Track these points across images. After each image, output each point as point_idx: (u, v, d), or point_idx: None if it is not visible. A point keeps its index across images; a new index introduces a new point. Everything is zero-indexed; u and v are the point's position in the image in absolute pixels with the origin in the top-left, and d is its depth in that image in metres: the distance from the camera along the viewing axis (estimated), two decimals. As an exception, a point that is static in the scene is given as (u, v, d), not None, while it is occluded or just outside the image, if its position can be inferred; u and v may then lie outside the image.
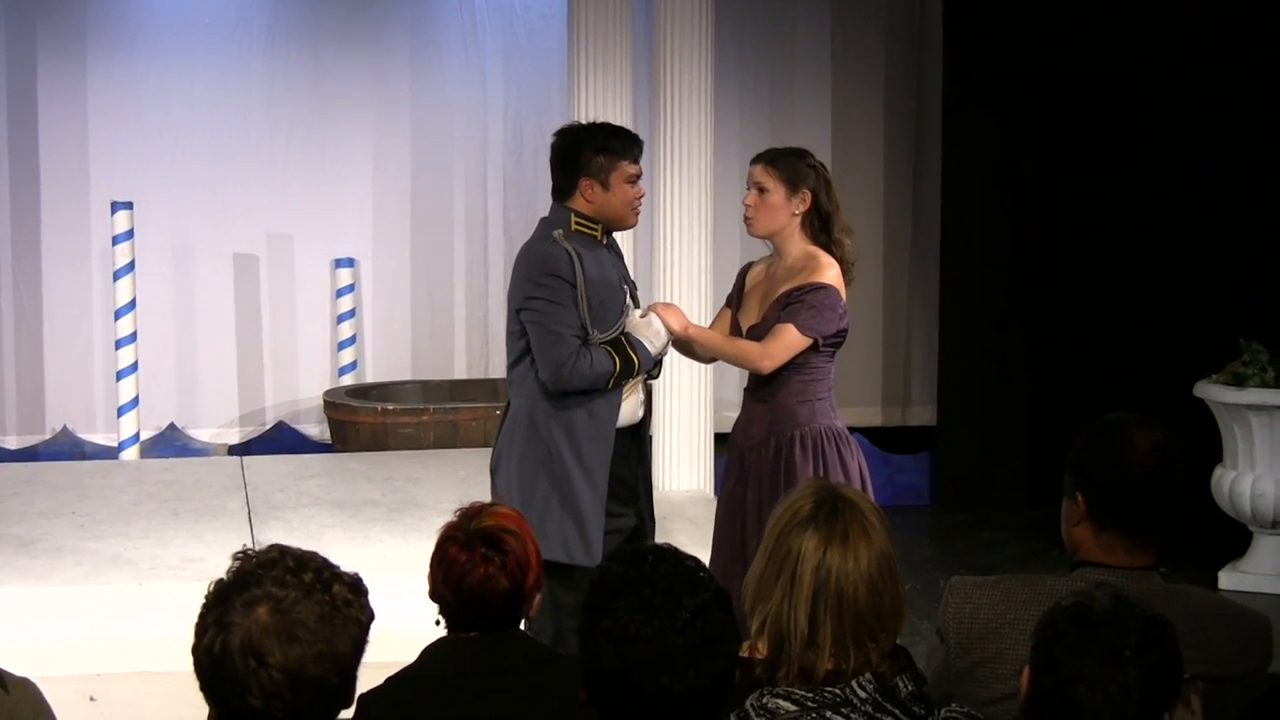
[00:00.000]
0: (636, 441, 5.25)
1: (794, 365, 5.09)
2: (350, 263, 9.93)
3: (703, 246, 8.12)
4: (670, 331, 5.15)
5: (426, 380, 10.01)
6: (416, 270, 10.15)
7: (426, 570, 3.44)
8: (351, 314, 9.92)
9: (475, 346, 10.21)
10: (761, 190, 5.15)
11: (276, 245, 10.00)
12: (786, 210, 5.14)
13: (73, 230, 9.76)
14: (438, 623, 3.44)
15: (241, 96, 9.93)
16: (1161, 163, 8.74)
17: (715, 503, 5.61)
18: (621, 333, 5.09)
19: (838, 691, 2.73)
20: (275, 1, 10.00)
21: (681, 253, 8.08)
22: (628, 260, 5.68)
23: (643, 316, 5.16)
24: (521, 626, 3.46)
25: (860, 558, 2.77)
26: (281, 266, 10.02)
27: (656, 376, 5.33)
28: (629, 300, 5.21)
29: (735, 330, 5.26)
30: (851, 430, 5.29)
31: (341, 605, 2.45)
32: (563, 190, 5.14)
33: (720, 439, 7.10)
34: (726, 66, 9.45)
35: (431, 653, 3.39)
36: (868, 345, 10.01)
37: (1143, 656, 2.50)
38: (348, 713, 2.56)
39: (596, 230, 5.12)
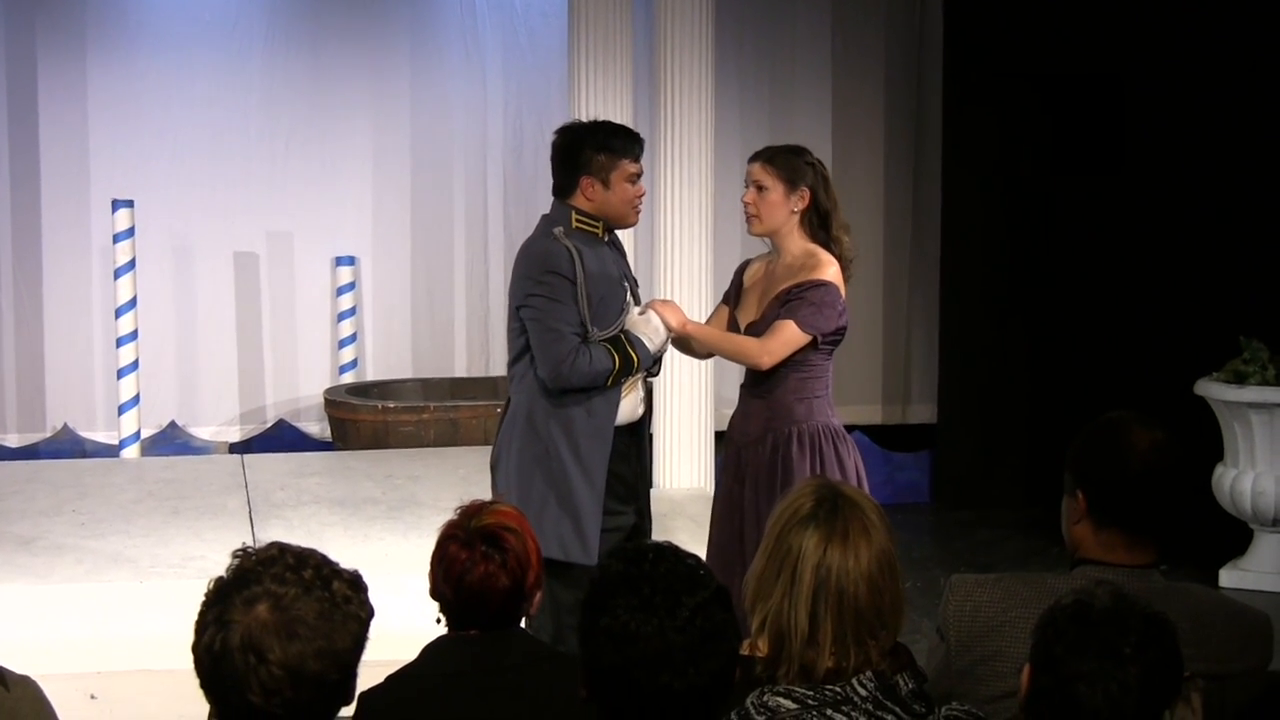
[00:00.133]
0: (636, 439, 5.25)
1: (792, 362, 5.09)
2: (350, 260, 9.92)
3: (703, 245, 8.12)
4: (669, 328, 5.15)
5: (427, 378, 10.01)
6: (417, 268, 10.14)
7: (427, 568, 3.44)
8: (352, 312, 9.92)
9: (476, 344, 10.21)
10: (760, 188, 5.16)
11: (277, 243, 10.00)
12: (785, 208, 5.14)
13: (73, 228, 9.76)
14: (438, 621, 3.44)
15: (242, 94, 9.92)
16: (1161, 163, 8.74)
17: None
18: (621, 330, 5.09)
19: (838, 689, 2.73)
20: (276, -1, 10.01)
21: (682, 251, 8.09)
22: (628, 258, 5.67)
23: (641, 314, 5.16)
24: (522, 624, 3.47)
25: (860, 556, 2.77)
26: (282, 264, 10.01)
27: (656, 374, 5.33)
28: (629, 298, 5.21)
29: (733, 327, 5.26)
30: (851, 428, 5.30)
31: (341, 602, 2.45)
32: (563, 188, 5.14)
33: (721, 436, 7.10)
34: (727, 65, 9.44)
35: (432, 651, 3.39)
36: (868, 343, 10.01)
37: (1143, 654, 2.50)
38: (348, 710, 2.56)
39: (597, 227, 5.11)
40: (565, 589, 4.86)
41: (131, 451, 9.24)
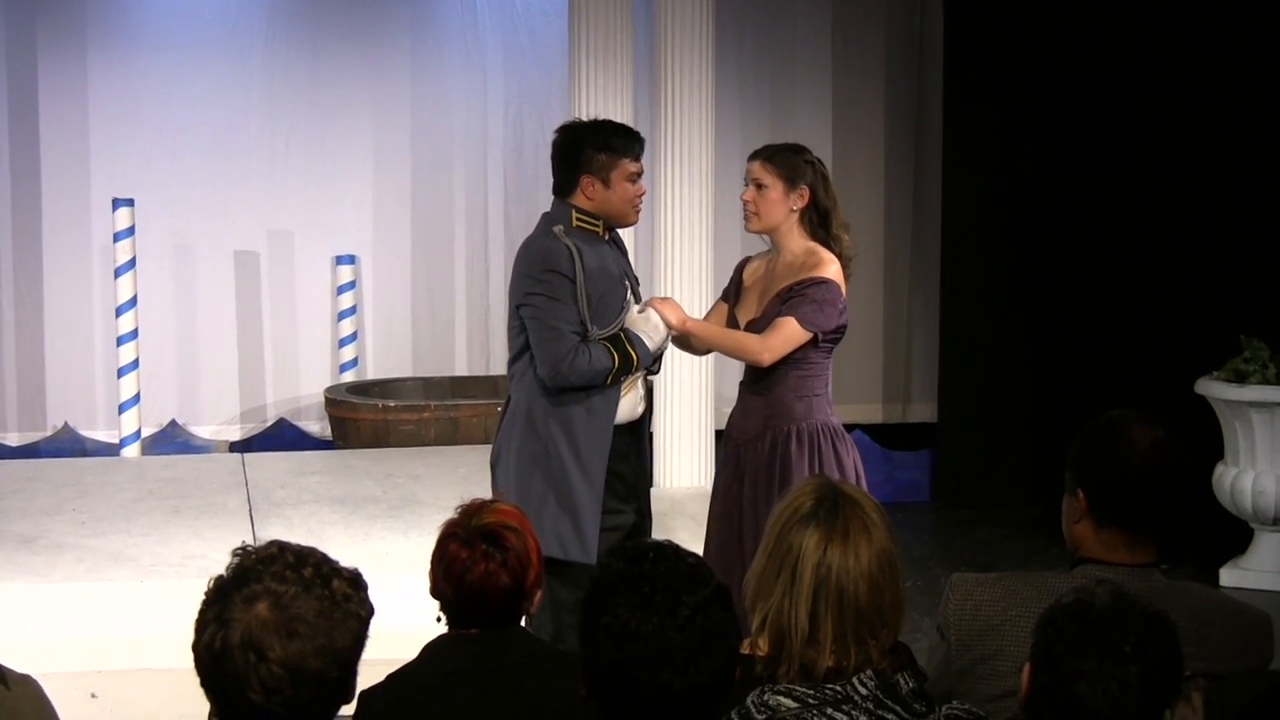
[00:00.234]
0: (636, 438, 5.25)
1: (792, 360, 5.09)
2: (351, 259, 9.92)
3: (703, 243, 8.12)
4: (668, 326, 5.15)
5: (427, 377, 10.01)
6: (417, 267, 10.14)
7: (427, 567, 3.44)
8: (352, 311, 9.91)
9: (476, 343, 10.21)
10: (759, 186, 5.16)
11: (277, 242, 10.00)
12: (784, 206, 5.15)
13: (73, 227, 9.75)
14: (439, 619, 3.44)
15: (242, 93, 9.92)
16: (1161, 162, 8.75)
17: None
18: (620, 329, 5.09)
19: (839, 688, 2.73)
20: (276, -2, 10.01)
21: (682, 250, 8.08)
22: (629, 256, 5.67)
23: (640, 312, 5.16)
24: (522, 623, 3.47)
25: (861, 555, 2.77)
26: (282, 263, 10.01)
27: (656, 372, 5.33)
28: (629, 296, 5.21)
29: (732, 324, 5.26)
30: (852, 427, 5.30)
31: (341, 600, 2.45)
32: (564, 187, 5.14)
33: (721, 435, 7.10)
34: (727, 64, 9.44)
35: (432, 649, 3.39)
36: (868, 342, 10.01)
37: (1143, 653, 2.50)
38: (348, 709, 2.56)
39: (598, 226, 5.11)
40: (565, 588, 4.86)
41: (132, 450, 9.24)
